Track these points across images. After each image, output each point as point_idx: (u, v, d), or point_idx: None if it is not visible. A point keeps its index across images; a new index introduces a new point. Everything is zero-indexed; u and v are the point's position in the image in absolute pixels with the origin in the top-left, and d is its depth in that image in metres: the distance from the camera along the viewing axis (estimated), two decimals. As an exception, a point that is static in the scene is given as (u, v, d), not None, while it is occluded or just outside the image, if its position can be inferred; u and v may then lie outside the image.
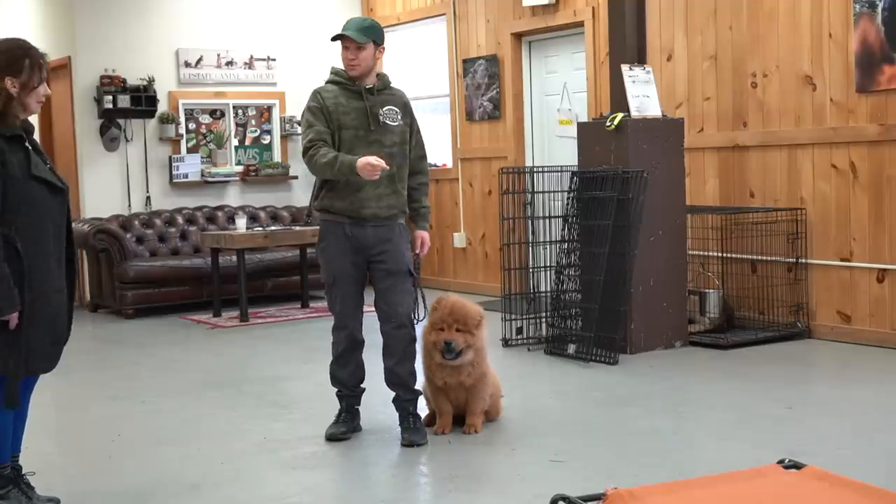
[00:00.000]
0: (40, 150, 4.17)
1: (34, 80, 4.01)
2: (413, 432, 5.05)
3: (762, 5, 7.53)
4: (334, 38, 5.06)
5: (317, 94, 5.09)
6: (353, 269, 5.06)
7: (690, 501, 2.74)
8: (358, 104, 5.03)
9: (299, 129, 10.93)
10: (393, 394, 5.20)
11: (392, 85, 5.23)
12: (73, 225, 4.32)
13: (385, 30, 10.82)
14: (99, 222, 9.78)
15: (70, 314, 4.19)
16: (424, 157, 5.27)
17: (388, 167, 4.84)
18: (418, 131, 5.24)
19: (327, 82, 5.14)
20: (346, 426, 5.18)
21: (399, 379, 5.12)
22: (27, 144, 4.02)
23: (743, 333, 7.30)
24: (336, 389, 5.25)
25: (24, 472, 4.21)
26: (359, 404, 5.28)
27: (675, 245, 7.19)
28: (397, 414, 5.18)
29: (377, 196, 5.00)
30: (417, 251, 5.19)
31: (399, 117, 5.11)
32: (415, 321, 5.16)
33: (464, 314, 4.96)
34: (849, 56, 7.00)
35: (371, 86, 5.06)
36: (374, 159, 4.78)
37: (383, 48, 5.15)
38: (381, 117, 5.04)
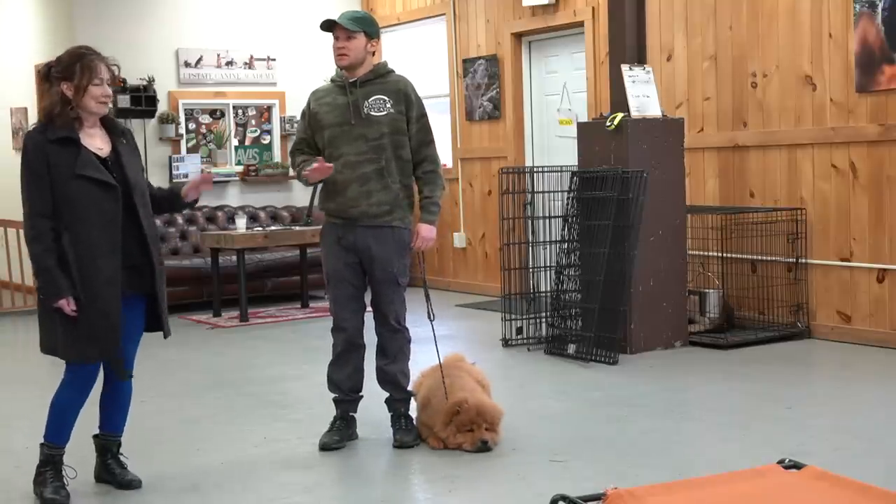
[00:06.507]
0: (119, 149, 4.33)
1: (83, 81, 4.22)
2: (404, 433, 5.02)
3: (762, 5, 7.53)
4: (323, 25, 4.93)
5: (310, 96, 5.08)
6: (347, 271, 4.96)
7: (690, 501, 2.73)
8: (343, 99, 4.92)
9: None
10: (386, 394, 5.16)
11: (391, 73, 4.99)
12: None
13: (385, 30, 10.94)
14: (99, 222, 9.77)
15: (161, 316, 4.52)
16: (428, 142, 4.97)
17: (330, 168, 4.80)
18: (421, 117, 4.95)
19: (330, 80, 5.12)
20: (339, 435, 5.04)
21: (389, 377, 5.07)
22: (84, 145, 4.24)
23: (743, 333, 7.30)
24: (332, 395, 5.13)
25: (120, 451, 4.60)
26: (355, 411, 5.15)
27: (675, 245, 7.19)
28: (389, 415, 5.14)
29: (365, 193, 4.86)
30: (412, 245, 4.97)
31: (388, 105, 4.89)
32: (431, 322, 5.13)
33: (492, 416, 4.91)
34: (849, 56, 7.00)
35: (355, 79, 4.91)
36: (313, 165, 4.82)
37: (377, 42, 4.97)
38: (364, 109, 4.87)
